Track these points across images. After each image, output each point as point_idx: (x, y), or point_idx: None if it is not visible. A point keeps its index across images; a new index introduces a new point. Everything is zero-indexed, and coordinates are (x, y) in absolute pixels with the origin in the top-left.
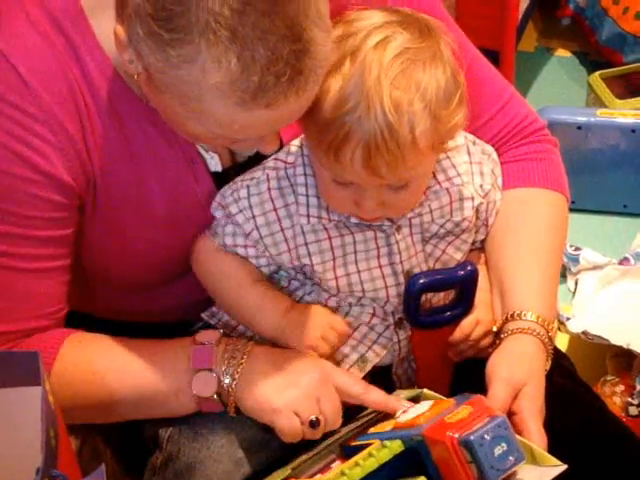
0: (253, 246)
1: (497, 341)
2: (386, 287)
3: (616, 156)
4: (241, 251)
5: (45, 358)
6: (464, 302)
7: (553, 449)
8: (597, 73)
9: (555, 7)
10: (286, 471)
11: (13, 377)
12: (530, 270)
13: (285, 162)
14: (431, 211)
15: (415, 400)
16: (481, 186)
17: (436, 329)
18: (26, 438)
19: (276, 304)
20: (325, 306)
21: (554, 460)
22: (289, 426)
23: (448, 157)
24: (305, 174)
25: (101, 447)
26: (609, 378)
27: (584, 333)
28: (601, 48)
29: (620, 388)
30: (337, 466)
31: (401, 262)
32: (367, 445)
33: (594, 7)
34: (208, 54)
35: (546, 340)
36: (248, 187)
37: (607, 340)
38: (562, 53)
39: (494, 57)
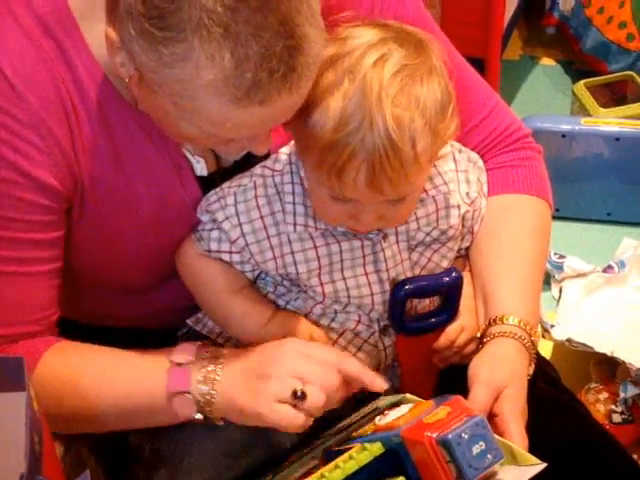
0: (238, 252)
1: (480, 345)
2: (372, 294)
3: (600, 164)
4: (226, 257)
5: (27, 364)
6: (449, 309)
7: (535, 455)
8: (582, 82)
9: (540, 16)
10: (267, 478)
11: (3, 382)
12: (513, 276)
13: (273, 170)
14: (417, 219)
15: (398, 405)
16: (467, 194)
17: (421, 335)
18: (10, 444)
19: (258, 313)
20: (311, 312)
21: (534, 459)
22: (279, 419)
23: (435, 165)
24: (292, 182)
25: (85, 454)
26: (593, 385)
27: (568, 340)
28: (585, 57)
29: (604, 395)
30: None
31: (387, 270)
32: (349, 449)
33: (579, 16)
34: (201, 51)
35: (528, 344)
36: (235, 194)
37: (591, 347)
38: (547, 62)
39: (479, 65)
